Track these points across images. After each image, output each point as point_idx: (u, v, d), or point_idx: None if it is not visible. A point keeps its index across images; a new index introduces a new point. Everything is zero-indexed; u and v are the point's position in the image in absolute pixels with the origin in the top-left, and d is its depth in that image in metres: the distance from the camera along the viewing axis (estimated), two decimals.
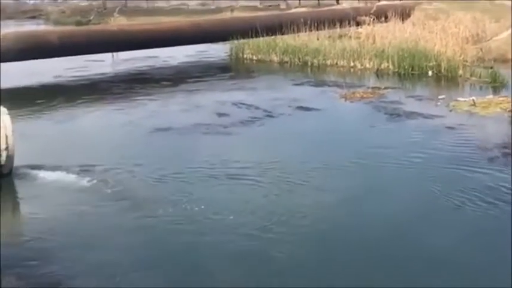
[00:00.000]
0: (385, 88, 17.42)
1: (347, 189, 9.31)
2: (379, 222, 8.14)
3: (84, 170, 10.34)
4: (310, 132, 13.01)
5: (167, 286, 6.65)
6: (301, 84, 18.78)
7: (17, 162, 10.37)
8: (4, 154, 10.09)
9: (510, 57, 20.47)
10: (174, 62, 24.36)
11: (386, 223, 8.09)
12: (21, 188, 10.00)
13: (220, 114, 14.56)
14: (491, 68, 18.64)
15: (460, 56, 19.93)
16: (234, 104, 15.65)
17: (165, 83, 19.85)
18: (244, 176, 9.92)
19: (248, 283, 6.63)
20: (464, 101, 15.07)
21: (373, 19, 26.35)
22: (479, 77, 18.08)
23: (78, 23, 42.34)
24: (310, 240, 7.66)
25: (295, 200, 8.92)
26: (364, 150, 11.34)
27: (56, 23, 48.15)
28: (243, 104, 15.59)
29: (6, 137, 10.13)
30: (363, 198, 9.00)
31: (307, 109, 14.99)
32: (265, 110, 14.79)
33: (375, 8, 28.66)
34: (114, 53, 24.66)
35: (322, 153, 11.22)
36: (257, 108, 15.07)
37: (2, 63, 18.77)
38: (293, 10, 35.28)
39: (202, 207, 8.60)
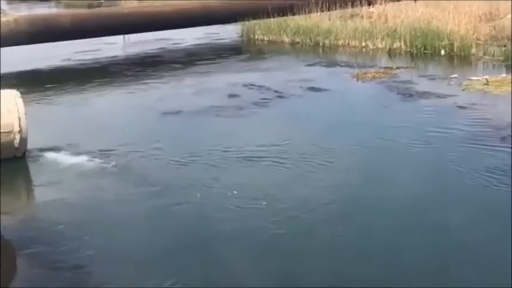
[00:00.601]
0: (397, 68, 17.33)
1: (366, 168, 9.46)
2: (402, 196, 8.36)
3: (96, 152, 10.41)
4: (323, 113, 13.02)
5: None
6: (313, 64, 18.71)
7: (30, 145, 10.45)
8: (17, 137, 10.17)
9: None
10: (185, 44, 24.28)
11: (409, 198, 8.29)
12: (35, 171, 10.09)
13: (232, 96, 14.56)
14: (505, 46, 18.45)
15: (473, 34, 19.72)
16: (247, 85, 15.62)
17: (177, 65, 19.81)
18: (265, 158, 9.97)
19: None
20: (477, 79, 14.97)
21: None
22: (493, 55, 17.93)
23: (90, 6, 42.28)
24: (341, 215, 7.90)
25: (319, 179, 9.02)
26: (378, 130, 11.35)
27: (68, 6, 48.10)
28: (255, 85, 15.55)
29: (19, 119, 10.19)
30: (383, 177, 9.17)
31: (319, 90, 14.96)
32: (277, 91, 14.76)
33: None
34: (126, 36, 24.62)
35: (336, 134, 11.26)
36: (270, 89, 15.03)
37: (14, 47, 18.86)
38: None
39: (225, 189, 8.69)
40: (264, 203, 8.17)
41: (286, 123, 12.24)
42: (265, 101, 14.02)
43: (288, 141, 10.75)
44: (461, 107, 12.73)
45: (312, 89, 15.06)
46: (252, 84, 15.65)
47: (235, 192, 8.54)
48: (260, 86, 15.40)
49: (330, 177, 9.12)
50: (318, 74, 17.01)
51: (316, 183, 8.88)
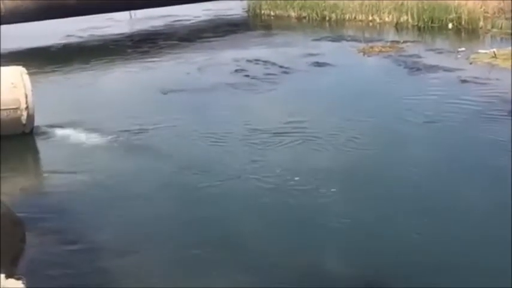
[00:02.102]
0: (404, 42, 17.24)
1: (380, 141, 9.52)
2: (417, 163, 8.62)
3: (104, 128, 10.44)
4: (331, 87, 13.05)
5: None
6: (320, 39, 18.62)
7: (38, 121, 10.49)
8: (25, 113, 10.20)
9: None
10: (191, 20, 24.19)
11: (424, 165, 8.54)
12: (43, 147, 10.14)
13: (242, 71, 14.55)
14: None
15: (481, 7, 19.54)
16: (256, 60, 15.58)
17: (184, 41, 19.75)
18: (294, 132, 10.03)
19: None
20: (485, 53, 14.89)
21: None
22: (500, 28, 17.79)
23: None
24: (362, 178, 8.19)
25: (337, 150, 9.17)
26: (386, 104, 11.38)
27: None
28: (264, 60, 15.51)
29: (26, 96, 10.22)
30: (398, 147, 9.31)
31: (326, 65, 14.92)
32: (285, 67, 14.75)
33: None
34: (132, 12, 24.51)
35: (346, 108, 11.32)
36: (278, 65, 15.00)
37: (21, 24, 18.88)
38: None
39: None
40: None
41: (297, 98, 12.29)
42: (275, 76, 14.03)
43: (302, 115, 10.83)
44: (467, 81, 12.68)
45: (319, 64, 15.02)
46: (260, 60, 15.61)
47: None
48: (268, 62, 15.36)
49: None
50: (324, 49, 16.93)
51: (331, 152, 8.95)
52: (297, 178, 8.10)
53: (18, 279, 3.46)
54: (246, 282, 5.84)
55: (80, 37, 21.14)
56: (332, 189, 7.72)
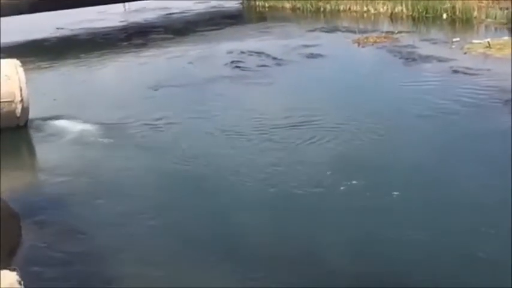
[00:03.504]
0: (399, 32, 17.22)
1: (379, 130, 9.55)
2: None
3: (98, 121, 10.44)
4: (327, 78, 13.07)
5: None
6: (314, 30, 18.60)
7: (32, 114, 10.47)
8: (19, 106, 10.18)
9: None
10: (185, 12, 24.15)
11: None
12: (37, 140, 10.14)
13: (238, 63, 14.55)
14: (507, 9, 18.28)
15: None
16: (251, 52, 15.57)
17: (178, 33, 19.70)
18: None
19: None
20: (479, 43, 14.90)
21: None
22: (495, 18, 17.78)
23: None
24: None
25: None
26: (381, 95, 11.42)
27: None
28: (259, 52, 15.50)
29: (21, 89, 10.20)
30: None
31: (321, 56, 14.93)
32: (280, 58, 14.76)
33: None
34: (126, 4, 24.45)
35: (342, 98, 11.44)
36: (272, 56, 15.01)
37: (17, 16, 18.85)
38: None
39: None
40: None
41: (294, 89, 12.35)
42: (269, 68, 14.07)
43: (303, 105, 10.89)
44: (460, 71, 12.68)
45: (314, 55, 15.03)
46: (254, 51, 15.61)
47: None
48: (263, 53, 15.36)
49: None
50: (319, 40, 16.92)
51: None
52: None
53: (12, 270, 3.48)
54: None
55: (75, 29, 21.09)
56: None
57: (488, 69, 12.68)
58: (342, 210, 7.04)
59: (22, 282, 3.40)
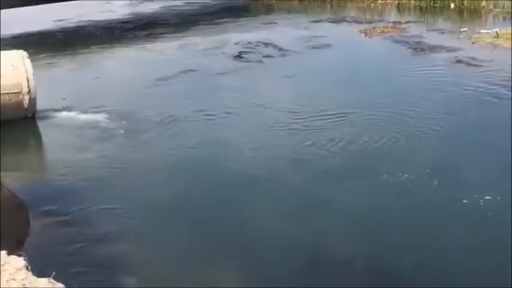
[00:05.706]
0: (406, 22, 17.16)
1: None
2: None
3: (107, 112, 10.44)
4: (334, 69, 13.07)
5: None
6: (321, 21, 18.54)
7: (39, 105, 10.50)
8: (26, 97, 10.20)
9: None
10: (192, 4, 24.05)
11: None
12: (45, 131, 10.16)
13: (245, 54, 14.53)
14: None
15: None
16: (257, 43, 15.52)
17: (186, 25, 19.64)
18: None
19: None
20: (487, 33, 14.82)
21: None
22: (503, 8, 17.67)
23: None
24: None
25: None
26: (389, 87, 11.40)
27: None
28: (267, 43, 15.45)
29: (28, 80, 10.21)
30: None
31: (328, 46, 14.90)
32: (287, 50, 14.71)
33: None
34: None
35: (350, 89, 11.39)
36: (280, 47, 14.96)
37: (18, 8, 18.86)
38: None
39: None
40: None
41: (303, 79, 12.34)
42: (278, 57, 14.11)
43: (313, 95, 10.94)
44: (467, 61, 12.62)
45: (322, 45, 14.99)
46: (262, 42, 15.56)
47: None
48: (270, 44, 15.32)
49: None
50: (326, 31, 16.85)
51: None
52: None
53: (19, 255, 3.50)
54: None
55: (80, 21, 21.08)
56: None
57: (496, 59, 12.62)
58: None
59: (29, 267, 3.42)
